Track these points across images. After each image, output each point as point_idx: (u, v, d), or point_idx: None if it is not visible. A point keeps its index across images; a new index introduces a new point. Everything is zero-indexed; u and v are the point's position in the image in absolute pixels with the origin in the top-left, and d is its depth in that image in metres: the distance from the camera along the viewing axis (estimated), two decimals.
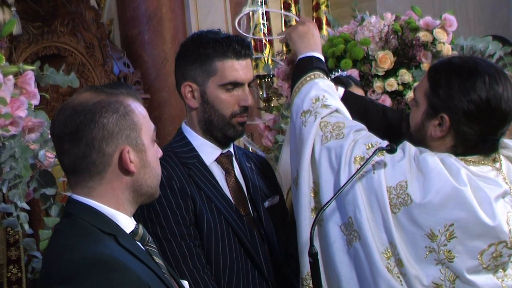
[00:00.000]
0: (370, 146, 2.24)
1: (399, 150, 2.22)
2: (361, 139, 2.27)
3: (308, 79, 2.45)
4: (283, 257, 2.50)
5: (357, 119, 2.44)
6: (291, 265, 2.47)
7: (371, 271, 2.16)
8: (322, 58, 2.54)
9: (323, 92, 2.40)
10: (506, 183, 2.23)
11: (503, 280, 2.19)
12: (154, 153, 1.92)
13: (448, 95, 2.19)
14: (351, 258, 2.21)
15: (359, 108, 2.57)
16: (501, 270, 2.19)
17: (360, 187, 2.20)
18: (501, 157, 2.28)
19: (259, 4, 4.27)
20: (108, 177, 1.84)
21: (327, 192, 2.25)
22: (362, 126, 2.35)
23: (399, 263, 2.15)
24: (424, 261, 2.14)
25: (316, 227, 2.26)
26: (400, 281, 2.15)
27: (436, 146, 2.25)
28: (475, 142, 2.21)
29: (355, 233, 2.19)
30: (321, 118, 2.34)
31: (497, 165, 2.25)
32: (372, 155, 2.19)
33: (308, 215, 2.30)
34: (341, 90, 2.61)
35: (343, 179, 2.21)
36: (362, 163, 2.19)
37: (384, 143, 2.24)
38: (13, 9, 3.79)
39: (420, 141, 2.28)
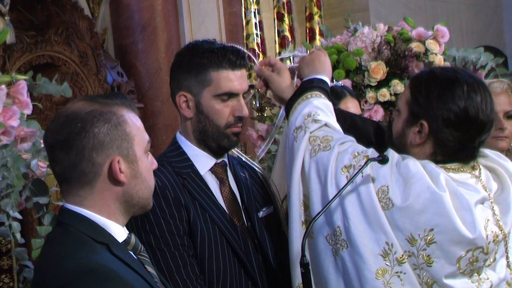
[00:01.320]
0: (357, 154, 2.27)
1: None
2: (349, 148, 2.30)
3: (304, 98, 2.48)
4: (277, 267, 2.49)
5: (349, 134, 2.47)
6: (285, 275, 2.47)
7: (359, 280, 2.18)
8: (327, 79, 2.56)
9: (316, 109, 2.43)
10: (485, 190, 2.27)
11: (478, 284, 2.22)
12: (147, 164, 1.91)
13: (428, 103, 2.25)
14: (338, 268, 2.23)
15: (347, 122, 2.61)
16: (476, 274, 2.22)
17: (348, 194, 2.22)
18: (480, 166, 2.32)
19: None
20: (99, 187, 1.84)
21: (317, 204, 2.28)
22: (350, 138, 2.37)
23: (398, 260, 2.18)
24: (404, 264, 2.18)
25: (307, 240, 2.26)
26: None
27: (416, 153, 2.29)
28: (454, 150, 2.26)
29: (343, 242, 2.21)
30: (310, 132, 2.37)
31: (476, 172, 2.30)
32: (364, 165, 2.21)
33: (299, 228, 2.32)
34: None
35: (330, 191, 2.24)
36: (350, 171, 2.23)
37: (370, 151, 2.28)
38: (6, 18, 3.79)
39: (401, 148, 2.32)
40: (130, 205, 1.88)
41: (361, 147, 2.31)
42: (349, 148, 2.30)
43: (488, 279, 2.24)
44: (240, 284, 2.39)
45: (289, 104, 2.51)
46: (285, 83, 2.58)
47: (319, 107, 2.44)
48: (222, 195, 2.47)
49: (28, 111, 2.56)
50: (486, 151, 2.37)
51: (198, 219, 2.36)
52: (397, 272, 2.16)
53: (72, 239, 1.80)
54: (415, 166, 2.21)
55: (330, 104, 2.50)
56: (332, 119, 2.45)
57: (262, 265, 2.45)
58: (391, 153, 2.27)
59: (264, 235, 2.49)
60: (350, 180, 2.20)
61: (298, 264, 2.15)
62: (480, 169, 2.31)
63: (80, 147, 1.80)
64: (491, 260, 2.25)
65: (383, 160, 2.24)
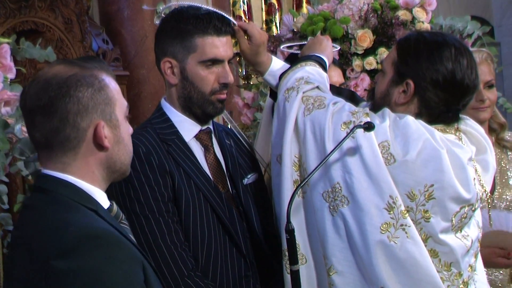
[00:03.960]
0: (356, 111, 2.29)
1: (378, 116, 2.29)
2: (345, 106, 2.32)
3: (298, 66, 2.50)
4: (262, 233, 2.50)
5: None
6: (270, 242, 2.48)
7: (361, 235, 2.20)
8: (325, 59, 2.58)
9: (308, 74, 2.45)
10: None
11: (462, 240, 2.28)
12: (127, 129, 1.90)
13: (416, 63, 2.28)
14: (336, 225, 2.24)
15: None
16: (459, 230, 2.28)
17: (349, 150, 2.24)
18: (460, 129, 2.37)
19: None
20: (83, 153, 1.81)
21: (312, 162, 2.28)
22: (341, 99, 2.39)
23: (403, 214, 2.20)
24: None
25: (301, 200, 2.31)
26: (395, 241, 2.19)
27: (400, 112, 2.32)
28: (439, 111, 2.30)
29: (343, 198, 2.22)
30: (303, 92, 2.37)
31: (458, 134, 2.35)
32: (350, 132, 2.21)
33: (291, 187, 2.32)
34: None
35: (329, 147, 2.25)
36: (350, 127, 2.24)
37: (368, 108, 2.32)
38: None
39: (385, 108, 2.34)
40: (112, 170, 1.87)
41: (355, 106, 2.34)
42: (345, 106, 2.32)
43: (468, 235, 2.30)
44: (225, 250, 2.40)
45: (282, 75, 2.51)
46: (252, 56, 2.56)
47: (311, 72, 2.46)
48: (207, 162, 2.47)
49: (11, 75, 2.53)
50: (463, 117, 2.41)
51: (182, 186, 2.36)
52: (402, 225, 2.19)
53: (62, 205, 1.77)
54: (415, 123, 2.25)
55: (324, 73, 2.51)
56: (324, 84, 2.46)
57: (246, 232, 2.46)
58: (387, 111, 2.30)
59: (249, 202, 2.50)
60: (338, 145, 2.20)
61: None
62: (460, 132, 2.36)
63: (64, 112, 1.76)
64: (470, 218, 2.31)
65: (369, 127, 2.24)
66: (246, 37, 2.55)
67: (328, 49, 2.63)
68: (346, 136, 2.21)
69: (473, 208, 2.29)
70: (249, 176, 2.56)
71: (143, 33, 5.30)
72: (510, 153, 3.03)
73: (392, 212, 2.18)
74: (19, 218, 1.88)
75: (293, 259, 2.11)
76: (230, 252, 2.42)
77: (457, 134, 2.35)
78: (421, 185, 2.20)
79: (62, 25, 4.82)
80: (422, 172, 2.19)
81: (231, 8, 4.73)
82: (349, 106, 2.33)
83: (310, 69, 2.48)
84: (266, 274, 2.47)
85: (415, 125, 2.25)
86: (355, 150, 2.23)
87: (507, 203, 2.95)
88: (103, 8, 5.45)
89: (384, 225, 2.18)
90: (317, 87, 2.41)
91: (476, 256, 2.37)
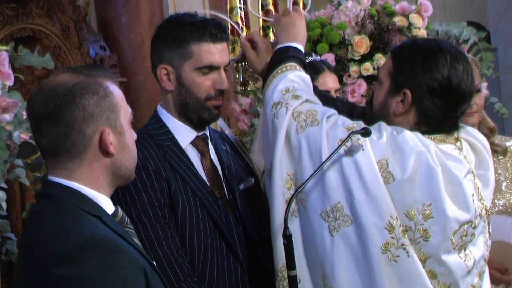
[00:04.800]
0: (351, 127, 2.25)
1: (375, 130, 2.25)
2: (338, 121, 2.28)
3: (279, 71, 2.44)
4: (258, 239, 2.51)
5: None
6: (266, 248, 2.49)
7: (364, 255, 2.17)
8: (301, 47, 2.52)
9: (292, 83, 2.40)
10: (467, 162, 2.29)
11: (465, 260, 2.24)
12: (132, 135, 1.93)
13: (411, 71, 2.25)
14: (336, 245, 2.19)
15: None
16: (462, 250, 2.24)
17: (349, 169, 2.20)
18: (461, 138, 2.34)
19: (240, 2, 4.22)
20: (88, 159, 1.83)
21: (311, 181, 2.22)
22: (333, 111, 2.36)
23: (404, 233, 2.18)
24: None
25: (297, 220, 2.27)
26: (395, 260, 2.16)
27: (399, 122, 2.29)
28: (437, 119, 2.27)
29: (346, 217, 2.19)
30: (293, 109, 2.33)
31: (459, 144, 2.32)
32: (346, 137, 2.20)
33: (282, 207, 2.28)
34: None
35: (328, 165, 2.21)
36: (348, 144, 2.21)
37: (361, 122, 2.27)
38: None
39: (384, 118, 2.32)
40: (117, 176, 1.89)
41: (349, 120, 2.30)
42: (338, 121, 2.28)
43: (471, 254, 2.26)
44: (221, 256, 2.41)
45: (265, 78, 2.48)
46: (261, 65, 2.56)
47: (295, 81, 2.41)
48: (203, 167, 2.48)
49: (9, 82, 2.54)
50: (463, 124, 2.39)
51: (179, 192, 2.37)
52: (402, 245, 2.16)
53: (66, 212, 1.80)
54: (412, 138, 2.21)
55: (306, 76, 2.47)
56: (310, 93, 2.43)
57: (243, 237, 2.47)
58: (383, 126, 2.26)
59: (245, 208, 2.51)
60: (334, 152, 2.18)
61: (282, 245, 2.15)
62: (461, 142, 2.33)
63: (70, 119, 1.79)
64: (472, 236, 2.27)
65: (365, 132, 2.24)
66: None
67: (302, 31, 2.55)
68: (342, 143, 2.20)
69: (472, 225, 2.24)
70: (245, 181, 2.57)
71: (140, 39, 5.31)
72: (501, 157, 3.04)
73: (393, 232, 2.15)
74: (26, 224, 1.90)
75: (291, 265, 2.11)
76: (227, 258, 2.42)
77: (457, 143, 2.31)
78: (419, 203, 2.16)
79: (59, 32, 4.82)
80: (419, 191, 2.16)
81: (228, 15, 4.74)
82: (342, 120, 2.28)
83: (293, 77, 2.42)
84: (262, 279, 2.47)
85: (413, 141, 2.21)
86: (355, 169, 2.19)
87: (500, 208, 2.96)
88: (101, 15, 5.46)
89: (385, 245, 2.15)
90: (306, 100, 2.37)
91: (481, 276, 2.31)
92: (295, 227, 2.26)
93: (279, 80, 2.41)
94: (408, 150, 2.18)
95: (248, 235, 2.48)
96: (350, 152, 2.20)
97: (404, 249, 2.15)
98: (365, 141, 2.20)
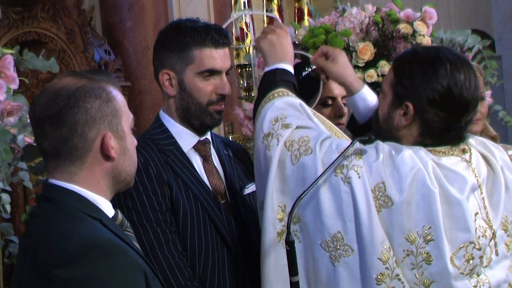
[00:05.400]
0: (346, 154, 2.19)
1: (372, 150, 2.20)
2: (332, 146, 2.23)
3: (267, 100, 2.39)
4: (260, 244, 2.51)
5: None
6: None
7: (363, 285, 2.14)
8: (289, 67, 2.48)
9: (281, 111, 2.34)
10: (475, 175, 2.23)
11: (476, 286, 2.17)
12: (133, 141, 1.94)
13: (411, 84, 2.21)
14: (339, 275, 2.16)
15: None
16: (475, 275, 2.17)
17: (345, 198, 2.17)
18: (472, 149, 2.28)
19: (245, 7, 4.21)
20: (89, 162, 1.84)
21: (308, 212, 2.20)
22: (327, 133, 2.31)
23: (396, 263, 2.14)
24: (401, 265, 2.13)
25: (302, 251, 2.21)
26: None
27: (403, 135, 2.26)
28: (440, 131, 2.22)
29: (346, 247, 2.16)
30: (284, 140, 2.28)
31: (467, 156, 2.25)
32: (350, 145, 2.18)
33: (273, 240, 2.24)
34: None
35: (325, 194, 2.18)
36: (344, 171, 2.17)
37: (356, 144, 2.21)
38: None
39: (388, 131, 2.29)
40: (117, 181, 1.90)
41: (343, 142, 2.25)
42: (333, 145, 2.23)
43: (487, 280, 2.19)
44: (222, 261, 2.42)
45: (254, 108, 2.44)
46: (343, 70, 2.59)
47: (283, 108, 2.35)
48: (205, 172, 2.49)
49: (14, 85, 2.55)
50: (481, 138, 2.34)
51: (180, 196, 2.38)
52: (397, 275, 2.12)
53: (67, 214, 1.81)
54: (411, 158, 2.16)
55: (296, 101, 2.39)
56: (301, 117, 2.35)
57: (244, 242, 2.48)
58: (381, 146, 2.22)
59: (247, 213, 2.51)
60: (334, 162, 2.16)
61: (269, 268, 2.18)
62: (471, 153, 2.27)
63: (73, 122, 1.80)
64: (487, 259, 2.20)
65: (369, 140, 2.24)
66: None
67: (289, 49, 2.51)
68: (347, 148, 2.18)
69: (477, 247, 2.15)
70: (247, 186, 2.57)
71: (145, 44, 5.32)
72: None
73: (386, 262, 2.12)
74: (26, 227, 1.90)
75: (293, 271, 2.11)
76: (228, 262, 2.43)
77: (464, 155, 2.25)
78: (419, 226, 2.11)
79: (64, 35, 4.83)
80: (418, 214, 2.11)
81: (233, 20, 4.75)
82: (336, 144, 2.23)
83: (280, 104, 2.36)
84: None
85: (411, 162, 2.16)
86: (351, 197, 2.15)
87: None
88: (106, 19, 5.47)
89: (380, 276, 2.12)
90: (297, 127, 2.31)
91: None
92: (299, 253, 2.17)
93: (267, 110, 2.36)
94: (406, 171, 2.14)
95: (250, 240, 2.48)
96: (347, 179, 2.17)
97: (399, 279, 2.12)
98: (361, 168, 2.17)
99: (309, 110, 2.41)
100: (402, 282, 2.12)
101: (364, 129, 2.52)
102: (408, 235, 2.12)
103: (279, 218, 2.25)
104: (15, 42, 4.42)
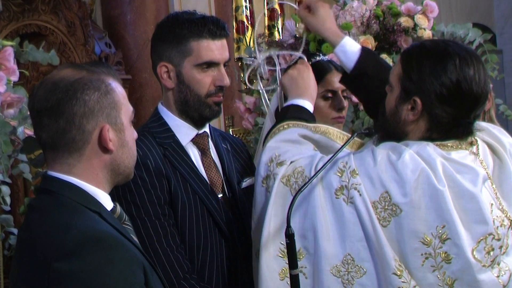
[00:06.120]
0: (341, 171, 2.18)
1: (369, 158, 2.17)
2: (328, 171, 2.19)
3: (269, 138, 2.39)
4: None
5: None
6: None
7: None
8: (305, 103, 2.48)
9: (274, 151, 2.32)
10: (484, 167, 2.21)
11: (498, 276, 2.15)
12: (132, 133, 1.93)
13: (420, 79, 2.17)
14: None
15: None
16: (496, 265, 2.16)
17: (350, 218, 2.14)
18: (478, 140, 2.26)
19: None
20: (87, 154, 1.84)
21: (313, 241, 2.17)
22: (318, 156, 2.27)
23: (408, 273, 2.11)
24: (422, 270, 2.10)
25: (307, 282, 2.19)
26: None
27: (411, 130, 2.23)
28: (449, 126, 2.19)
29: (358, 268, 2.13)
30: (280, 176, 2.25)
31: (474, 148, 2.23)
32: (351, 137, 2.19)
33: (276, 277, 2.20)
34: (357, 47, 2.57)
35: (328, 220, 2.15)
36: (345, 192, 2.14)
37: (351, 160, 2.18)
38: None
39: (395, 126, 2.25)
40: (116, 173, 1.90)
41: (338, 160, 2.20)
42: (329, 170, 2.18)
43: (507, 267, 2.18)
44: (221, 253, 2.42)
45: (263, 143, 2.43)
46: (321, 23, 2.56)
47: (276, 146, 2.33)
48: (203, 165, 2.49)
49: (14, 77, 2.55)
50: (484, 124, 2.31)
51: (179, 189, 2.38)
52: (415, 286, 2.09)
53: (66, 207, 1.80)
54: (413, 160, 2.13)
55: (290, 133, 2.37)
56: (293, 150, 2.31)
57: (242, 235, 2.48)
58: (377, 153, 2.17)
59: (245, 206, 2.51)
60: (335, 154, 2.15)
61: None
62: (478, 145, 2.25)
63: (71, 114, 1.80)
64: (505, 247, 2.18)
65: (369, 133, 2.23)
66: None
67: (310, 83, 2.52)
68: (348, 141, 2.19)
69: (496, 238, 2.13)
70: (245, 180, 2.57)
71: (145, 37, 5.32)
72: None
73: (402, 276, 2.09)
74: (25, 219, 1.90)
75: (293, 264, 2.10)
76: (226, 255, 2.43)
77: (472, 148, 2.23)
78: (432, 228, 2.08)
79: (65, 28, 4.84)
80: (430, 215, 2.08)
81: (234, 13, 4.75)
82: (330, 164, 2.18)
83: (273, 143, 2.33)
84: None
85: (413, 163, 2.12)
86: (356, 216, 2.13)
87: None
88: (106, 12, 5.47)
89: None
90: (291, 162, 2.26)
91: None
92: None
93: (263, 153, 2.35)
94: (409, 175, 2.11)
95: (247, 233, 2.48)
96: (350, 199, 2.14)
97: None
98: (360, 185, 2.13)
99: (308, 130, 2.38)
100: None
101: (354, 79, 2.54)
102: (423, 238, 2.09)
103: (281, 255, 2.20)
104: (16, 34, 4.43)
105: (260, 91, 2.75)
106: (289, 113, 2.45)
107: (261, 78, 2.73)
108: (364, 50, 2.57)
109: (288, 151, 2.31)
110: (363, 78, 2.53)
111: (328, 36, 2.59)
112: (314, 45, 3.60)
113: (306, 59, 2.61)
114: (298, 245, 2.11)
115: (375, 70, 2.52)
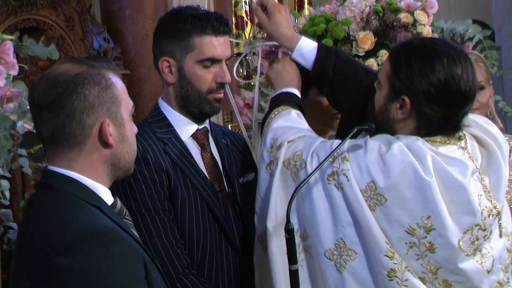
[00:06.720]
0: (333, 157, 2.21)
1: (361, 148, 2.20)
2: (320, 152, 2.24)
3: (267, 124, 2.44)
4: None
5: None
6: None
7: (375, 285, 2.15)
8: (294, 91, 2.52)
9: (274, 134, 2.37)
10: (472, 161, 2.23)
11: (481, 262, 2.18)
12: (132, 128, 1.93)
13: (408, 78, 2.18)
14: (347, 282, 2.17)
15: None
16: (478, 252, 2.19)
17: (340, 204, 2.18)
18: (466, 135, 2.28)
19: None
20: (87, 149, 1.84)
21: (313, 225, 2.22)
22: (318, 140, 2.31)
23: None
24: (406, 258, 2.13)
25: (304, 269, 2.23)
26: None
27: (400, 128, 2.25)
28: (437, 124, 2.21)
29: (350, 251, 2.16)
30: (282, 160, 2.29)
31: (462, 143, 2.25)
32: (351, 132, 2.20)
33: (282, 268, 2.24)
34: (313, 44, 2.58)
35: (322, 204, 2.20)
36: (335, 178, 2.18)
37: (344, 147, 2.21)
38: None
39: (384, 123, 2.27)
40: (116, 168, 1.90)
41: (329, 144, 2.25)
42: (320, 151, 2.24)
43: (489, 253, 2.21)
44: (220, 249, 2.42)
45: (261, 133, 2.48)
46: (275, 29, 2.57)
47: (274, 129, 2.39)
48: (203, 160, 2.49)
49: (14, 72, 2.55)
50: (471, 116, 2.32)
51: (178, 184, 2.38)
52: (406, 267, 2.12)
53: (66, 202, 1.80)
54: (401, 152, 2.15)
55: (290, 113, 2.43)
56: (289, 130, 2.37)
57: (242, 231, 2.48)
58: (370, 144, 2.20)
59: (245, 201, 2.51)
60: (335, 149, 2.17)
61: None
62: (466, 139, 2.27)
63: (71, 109, 1.80)
64: (488, 233, 2.21)
65: (369, 128, 2.24)
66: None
67: (295, 75, 2.56)
68: (348, 136, 2.20)
69: (482, 228, 2.17)
70: (245, 175, 2.57)
71: (144, 32, 5.31)
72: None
73: (393, 258, 2.12)
74: (25, 214, 1.90)
75: (292, 259, 2.11)
76: (226, 250, 2.43)
77: (460, 143, 2.25)
78: (418, 218, 2.11)
79: (63, 23, 4.83)
80: (415, 206, 2.11)
81: (233, 9, 4.73)
82: (323, 149, 2.23)
83: (275, 125, 2.40)
84: None
85: (401, 155, 2.14)
86: (344, 201, 2.17)
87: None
88: (105, 7, 5.46)
89: (391, 272, 2.12)
90: (288, 142, 2.32)
91: (506, 269, 2.25)
92: (303, 279, 2.18)
93: (265, 136, 2.41)
94: (395, 166, 2.13)
95: (247, 229, 2.48)
96: (340, 184, 2.17)
97: (409, 271, 2.13)
98: (349, 171, 2.16)
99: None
100: (413, 273, 2.13)
101: (317, 79, 2.55)
102: (408, 228, 2.12)
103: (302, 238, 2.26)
104: (14, 29, 4.42)
105: (256, 84, 2.79)
106: (281, 99, 2.49)
107: (255, 71, 2.75)
108: (321, 48, 2.57)
109: (284, 133, 2.35)
110: (325, 76, 2.54)
111: (283, 43, 2.60)
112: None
113: (290, 53, 2.60)
114: (304, 227, 2.18)
115: (338, 66, 2.53)
